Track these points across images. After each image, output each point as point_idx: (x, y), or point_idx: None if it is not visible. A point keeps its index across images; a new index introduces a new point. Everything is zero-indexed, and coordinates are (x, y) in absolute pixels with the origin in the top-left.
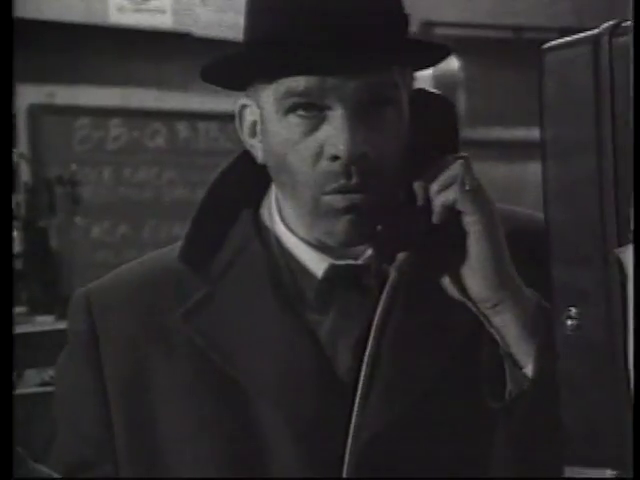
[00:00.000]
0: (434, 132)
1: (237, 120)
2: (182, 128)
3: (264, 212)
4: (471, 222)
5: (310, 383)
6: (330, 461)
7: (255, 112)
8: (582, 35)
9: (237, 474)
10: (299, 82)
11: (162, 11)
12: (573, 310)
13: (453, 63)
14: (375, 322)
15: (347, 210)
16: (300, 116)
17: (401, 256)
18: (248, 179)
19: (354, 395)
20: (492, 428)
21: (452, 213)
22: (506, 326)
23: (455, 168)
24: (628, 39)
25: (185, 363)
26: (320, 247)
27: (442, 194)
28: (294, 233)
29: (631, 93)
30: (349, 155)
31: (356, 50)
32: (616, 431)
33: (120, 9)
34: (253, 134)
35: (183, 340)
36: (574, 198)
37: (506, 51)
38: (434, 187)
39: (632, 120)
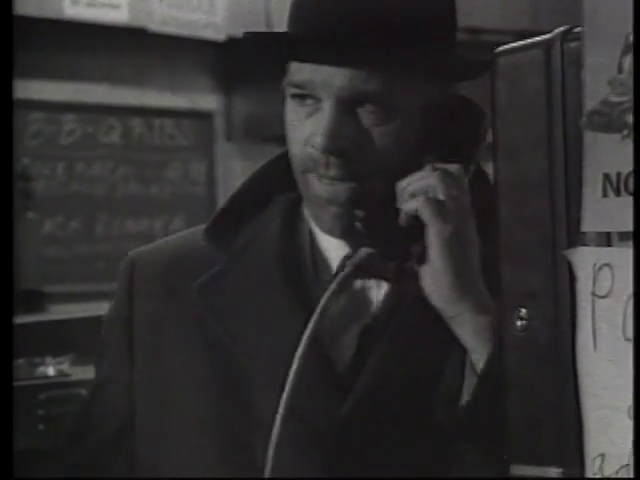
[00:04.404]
0: (455, 139)
1: None
2: (137, 124)
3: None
4: (432, 233)
5: (306, 369)
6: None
7: None
8: (534, 39)
9: (236, 452)
10: (297, 75)
11: (117, 6)
12: (523, 311)
13: None
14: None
15: (330, 202)
16: (299, 103)
17: (391, 265)
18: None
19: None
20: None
21: (419, 221)
22: (464, 337)
23: (428, 177)
24: (579, 44)
25: (197, 335)
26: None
27: (408, 201)
28: None
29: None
30: (325, 147)
31: (345, 46)
32: (562, 430)
33: (74, 3)
34: None
35: (197, 312)
36: (525, 200)
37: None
38: (404, 193)
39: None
